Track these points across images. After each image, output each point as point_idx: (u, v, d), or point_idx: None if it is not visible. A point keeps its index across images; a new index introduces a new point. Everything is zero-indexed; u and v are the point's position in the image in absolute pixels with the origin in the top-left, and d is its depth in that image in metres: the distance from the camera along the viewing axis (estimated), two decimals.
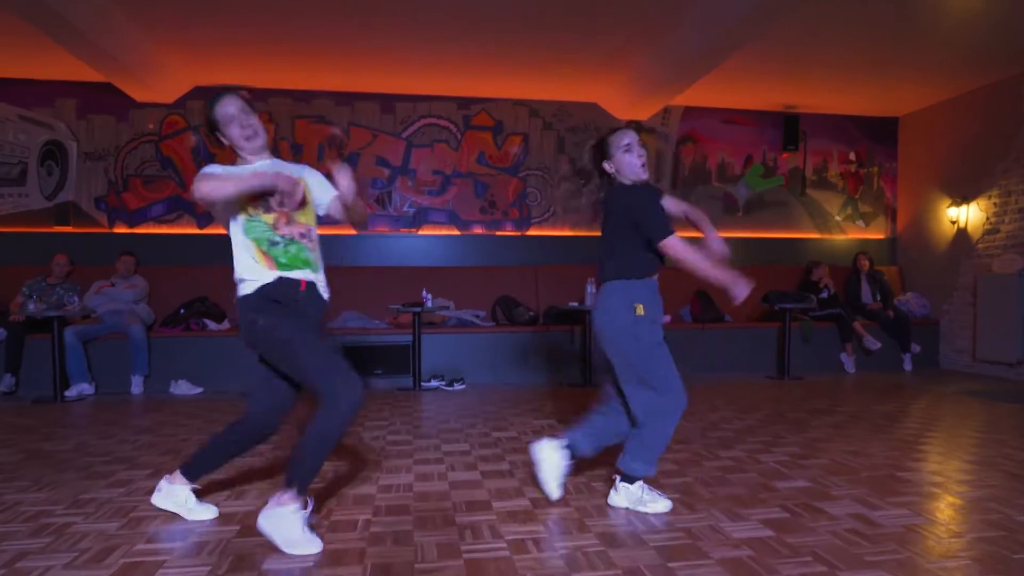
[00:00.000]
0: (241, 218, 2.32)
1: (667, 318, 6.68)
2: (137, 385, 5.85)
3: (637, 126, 2.90)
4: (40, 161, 6.71)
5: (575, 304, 6.21)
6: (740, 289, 2.50)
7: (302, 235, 2.38)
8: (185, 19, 5.31)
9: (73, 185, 6.77)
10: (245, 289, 2.33)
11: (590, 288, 6.18)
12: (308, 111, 7.09)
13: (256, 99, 6.90)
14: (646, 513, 2.61)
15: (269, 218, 2.32)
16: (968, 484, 3.01)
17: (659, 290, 2.71)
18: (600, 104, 7.50)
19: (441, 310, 6.60)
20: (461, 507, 2.67)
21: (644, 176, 2.69)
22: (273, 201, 2.31)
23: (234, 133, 2.36)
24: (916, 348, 7.19)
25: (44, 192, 6.73)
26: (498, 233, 7.45)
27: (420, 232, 7.33)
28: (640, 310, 2.59)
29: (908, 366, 7.12)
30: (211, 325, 6.24)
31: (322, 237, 2.50)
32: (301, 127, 7.08)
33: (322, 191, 2.53)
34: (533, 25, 5.46)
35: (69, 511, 2.63)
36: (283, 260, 2.32)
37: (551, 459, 2.72)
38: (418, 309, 5.96)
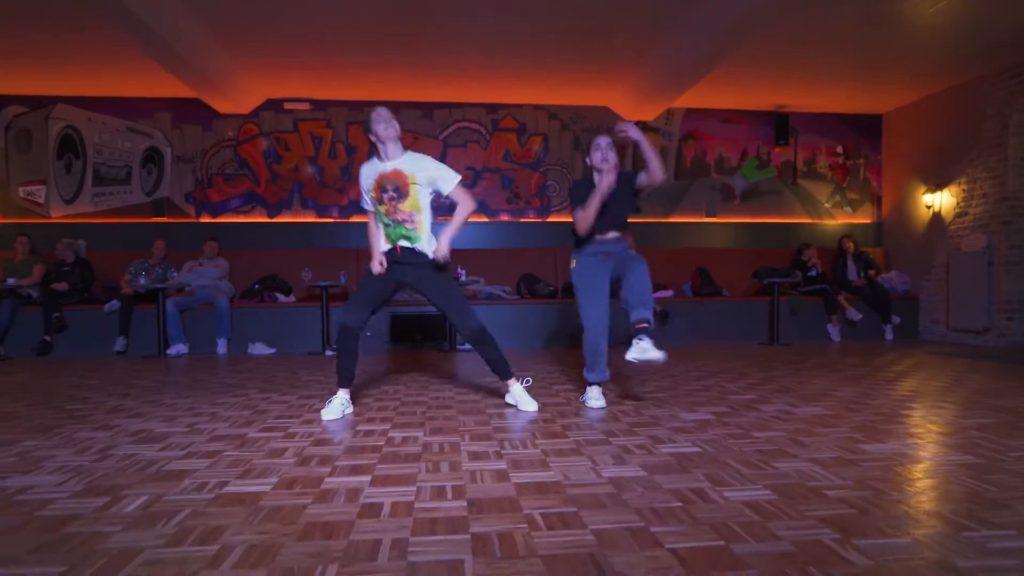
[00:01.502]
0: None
1: (670, 292, 7.56)
2: (222, 346, 6.84)
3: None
4: (142, 164, 7.80)
5: None
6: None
7: (404, 220, 3.36)
8: (260, 40, 6.25)
9: (168, 183, 7.84)
10: None
11: None
12: (361, 118, 8.01)
13: (316, 108, 7.89)
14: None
15: (383, 208, 3.37)
16: (876, 398, 3.82)
17: (616, 254, 3.59)
18: (611, 108, 8.31)
19: (473, 285, 7.50)
20: (490, 395, 3.56)
21: (600, 168, 3.55)
22: (385, 196, 3.31)
23: (379, 128, 3.27)
24: (896, 319, 7.83)
25: (144, 189, 7.81)
26: (522, 220, 8.31)
27: None
28: (573, 263, 3.67)
29: (889, 336, 7.77)
30: (281, 298, 7.21)
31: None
32: (354, 132, 8.03)
33: (441, 183, 3.35)
34: (551, 42, 6.33)
35: (211, 408, 3.59)
36: (391, 236, 3.40)
37: (641, 350, 3.39)
38: None
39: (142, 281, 6.51)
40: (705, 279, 7.97)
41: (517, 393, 3.55)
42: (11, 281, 6.56)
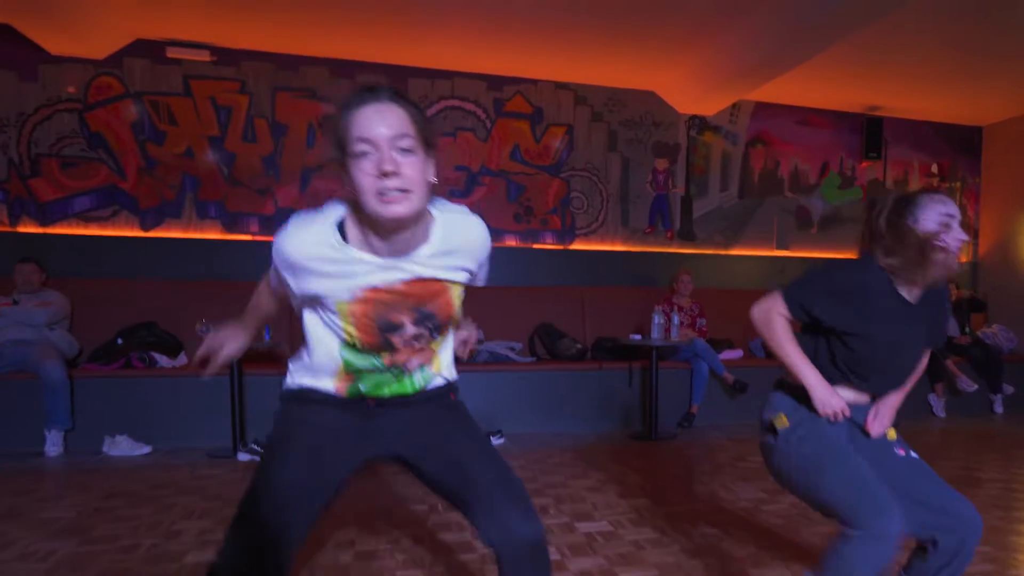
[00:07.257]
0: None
1: (738, 352, 6.21)
2: (54, 444, 4.81)
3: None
4: None
5: (637, 337, 5.51)
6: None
7: (420, 365, 1.75)
8: None
9: None
10: (289, 381, 1.75)
11: (656, 319, 5.48)
12: (295, 82, 6.07)
13: (224, 63, 5.83)
14: None
15: (382, 355, 1.66)
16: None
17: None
18: (658, 93, 7.01)
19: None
20: None
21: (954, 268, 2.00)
22: (398, 337, 1.65)
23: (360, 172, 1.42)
24: (1008, 389, 6.79)
25: None
26: (535, 246, 6.75)
27: None
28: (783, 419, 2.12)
29: (999, 408, 6.73)
30: (162, 361, 5.22)
31: None
32: (283, 101, 6.02)
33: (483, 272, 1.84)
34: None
35: None
36: (368, 384, 1.70)
37: None
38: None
39: None
40: None
41: None
42: None
